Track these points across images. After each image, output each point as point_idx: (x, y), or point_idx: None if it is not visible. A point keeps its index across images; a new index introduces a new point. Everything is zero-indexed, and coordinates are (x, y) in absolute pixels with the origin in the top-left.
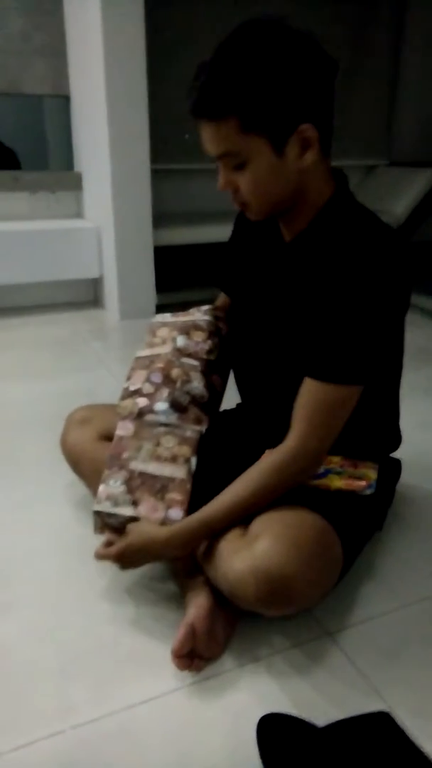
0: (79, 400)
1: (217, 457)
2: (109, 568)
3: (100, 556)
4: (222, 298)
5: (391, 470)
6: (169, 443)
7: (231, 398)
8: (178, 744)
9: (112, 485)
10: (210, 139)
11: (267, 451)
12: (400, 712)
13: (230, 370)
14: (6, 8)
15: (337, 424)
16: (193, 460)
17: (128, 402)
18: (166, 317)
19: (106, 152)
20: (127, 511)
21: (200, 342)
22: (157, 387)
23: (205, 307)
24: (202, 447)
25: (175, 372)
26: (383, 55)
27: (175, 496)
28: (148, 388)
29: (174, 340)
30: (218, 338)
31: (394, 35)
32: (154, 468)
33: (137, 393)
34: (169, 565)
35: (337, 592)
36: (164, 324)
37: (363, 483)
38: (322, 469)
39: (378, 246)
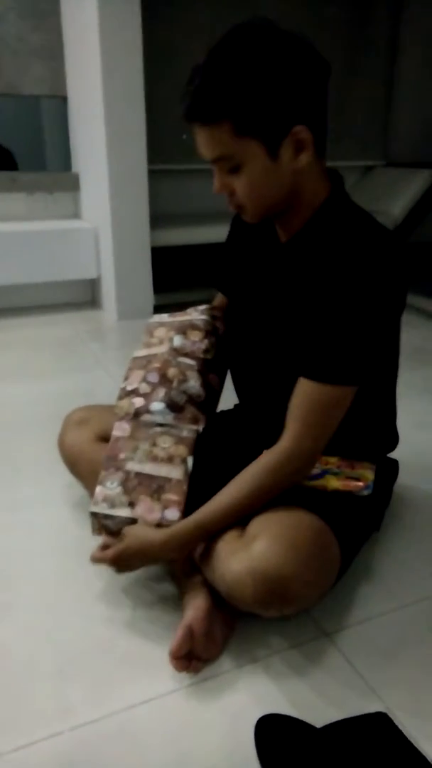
0: (76, 400)
1: (214, 458)
2: (107, 569)
3: (96, 560)
4: (219, 298)
5: (389, 471)
6: (166, 443)
7: (229, 399)
8: (177, 745)
9: (109, 486)
10: (204, 143)
11: (264, 452)
12: (398, 712)
13: (227, 370)
14: (3, 9)
15: (332, 423)
16: (190, 460)
17: (125, 402)
18: (164, 317)
19: (104, 153)
20: (123, 512)
21: (197, 341)
22: (154, 386)
23: (202, 307)
24: (200, 448)
25: (171, 371)
26: (380, 55)
27: (172, 496)
28: (144, 388)
29: (171, 339)
30: (215, 337)
31: (390, 35)
32: (150, 468)
33: (134, 393)
34: (167, 567)
35: (334, 592)
36: (161, 324)
37: (360, 484)
38: (319, 470)
39: (372, 246)
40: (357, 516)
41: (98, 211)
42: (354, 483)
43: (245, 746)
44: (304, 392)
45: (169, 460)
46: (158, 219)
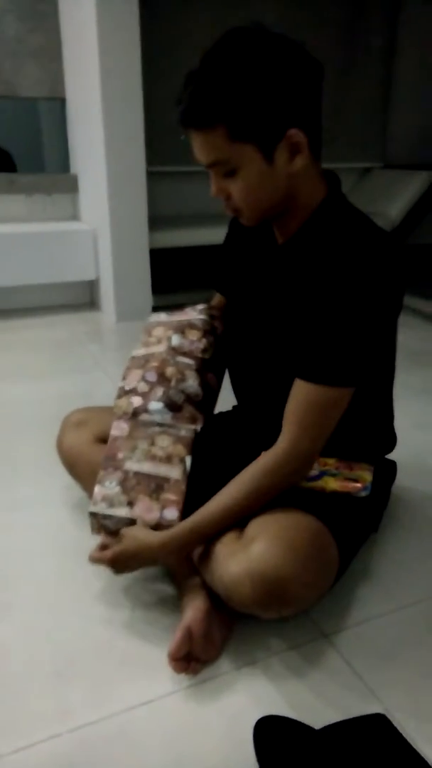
0: (75, 402)
1: (213, 458)
2: (105, 569)
3: (94, 560)
4: (217, 298)
5: (387, 472)
6: (164, 443)
7: (227, 400)
8: (176, 746)
9: (108, 486)
10: (200, 148)
11: (263, 453)
12: (397, 713)
13: (225, 369)
14: (1, 11)
15: (329, 425)
16: (188, 460)
17: (123, 401)
18: (162, 317)
19: (102, 154)
20: (122, 512)
21: (195, 341)
22: (152, 386)
23: (201, 306)
24: (198, 449)
25: (169, 370)
26: (377, 57)
27: (170, 496)
28: (142, 387)
29: (169, 339)
30: (213, 337)
31: (388, 37)
32: (148, 468)
33: (132, 392)
34: (166, 568)
35: (333, 594)
36: (160, 323)
37: (358, 485)
38: (317, 471)
39: (369, 248)
40: (355, 517)
41: (97, 213)
42: (352, 484)
43: (244, 747)
44: (301, 394)
45: (168, 459)
46: (157, 220)
